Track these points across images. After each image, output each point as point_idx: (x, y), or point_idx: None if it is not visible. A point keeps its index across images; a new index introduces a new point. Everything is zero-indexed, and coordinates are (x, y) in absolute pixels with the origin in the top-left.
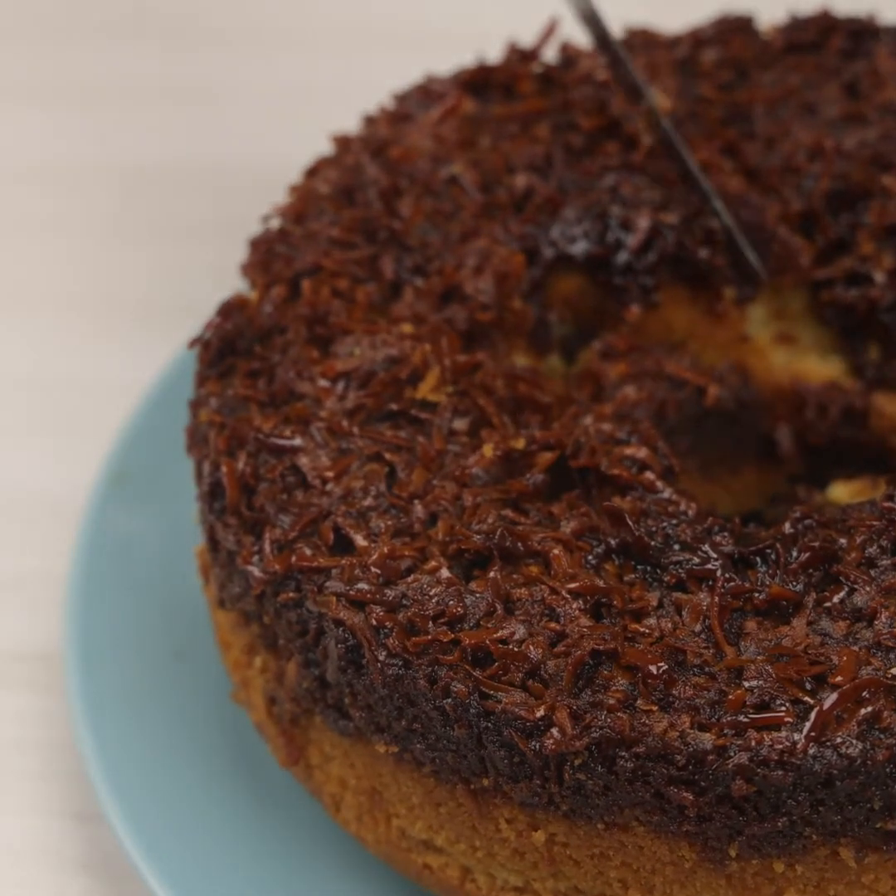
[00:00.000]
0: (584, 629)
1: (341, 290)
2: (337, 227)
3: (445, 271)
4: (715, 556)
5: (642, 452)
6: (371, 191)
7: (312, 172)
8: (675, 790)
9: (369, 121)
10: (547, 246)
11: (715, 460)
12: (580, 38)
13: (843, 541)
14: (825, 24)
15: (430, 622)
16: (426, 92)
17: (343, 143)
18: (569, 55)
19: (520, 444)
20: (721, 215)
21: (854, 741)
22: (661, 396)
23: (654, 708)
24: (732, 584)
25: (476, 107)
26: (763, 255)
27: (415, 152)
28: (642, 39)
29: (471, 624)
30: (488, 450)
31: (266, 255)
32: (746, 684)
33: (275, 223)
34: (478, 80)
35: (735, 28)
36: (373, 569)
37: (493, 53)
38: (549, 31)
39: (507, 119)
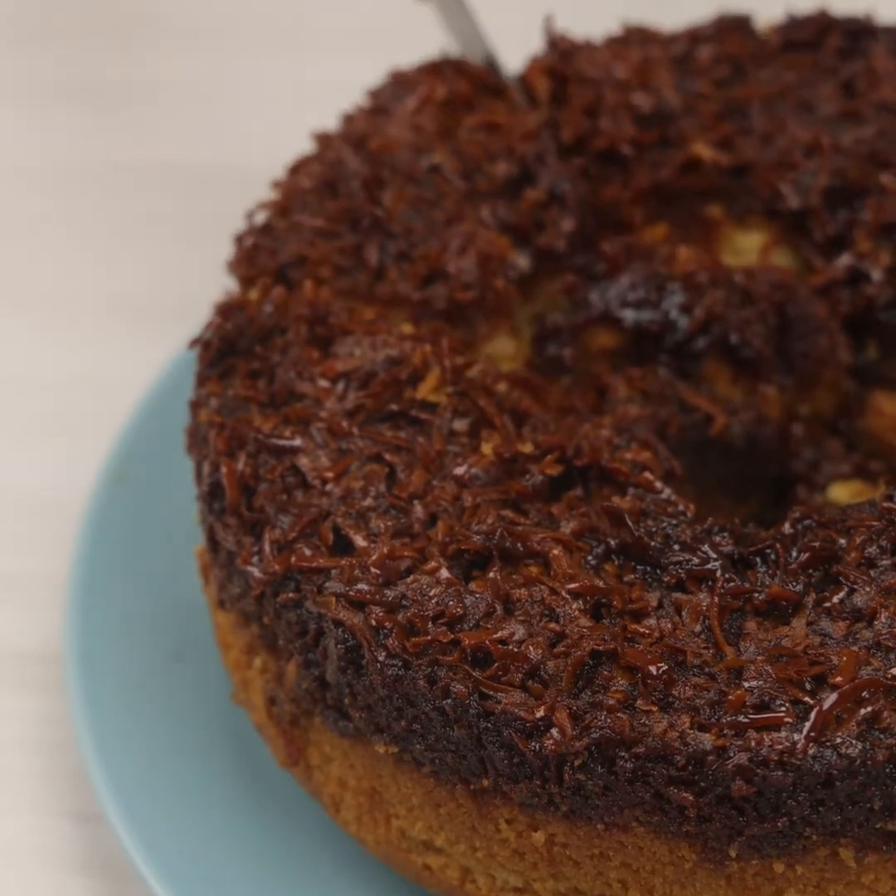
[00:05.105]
0: (584, 630)
1: (326, 279)
2: (320, 218)
3: (430, 255)
4: (715, 556)
5: (643, 456)
6: (354, 182)
7: (296, 170)
8: (675, 791)
9: (348, 119)
10: (597, 302)
11: (713, 491)
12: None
13: (842, 541)
14: (822, 24)
15: (430, 623)
16: (398, 83)
17: (324, 140)
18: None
19: (527, 448)
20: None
21: (854, 741)
22: (664, 417)
23: (654, 708)
24: (732, 584)
25: (449, 92)
26: (808, 345)
27: (395, 143)
28: (639, 36)
29: (470, 624)
30: (488, 450)
31: (251, 250)
32: (746, 685)
33: (260, 219)
34: (446, 66)
35: (732, 27)
36: (372, 569)
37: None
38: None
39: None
